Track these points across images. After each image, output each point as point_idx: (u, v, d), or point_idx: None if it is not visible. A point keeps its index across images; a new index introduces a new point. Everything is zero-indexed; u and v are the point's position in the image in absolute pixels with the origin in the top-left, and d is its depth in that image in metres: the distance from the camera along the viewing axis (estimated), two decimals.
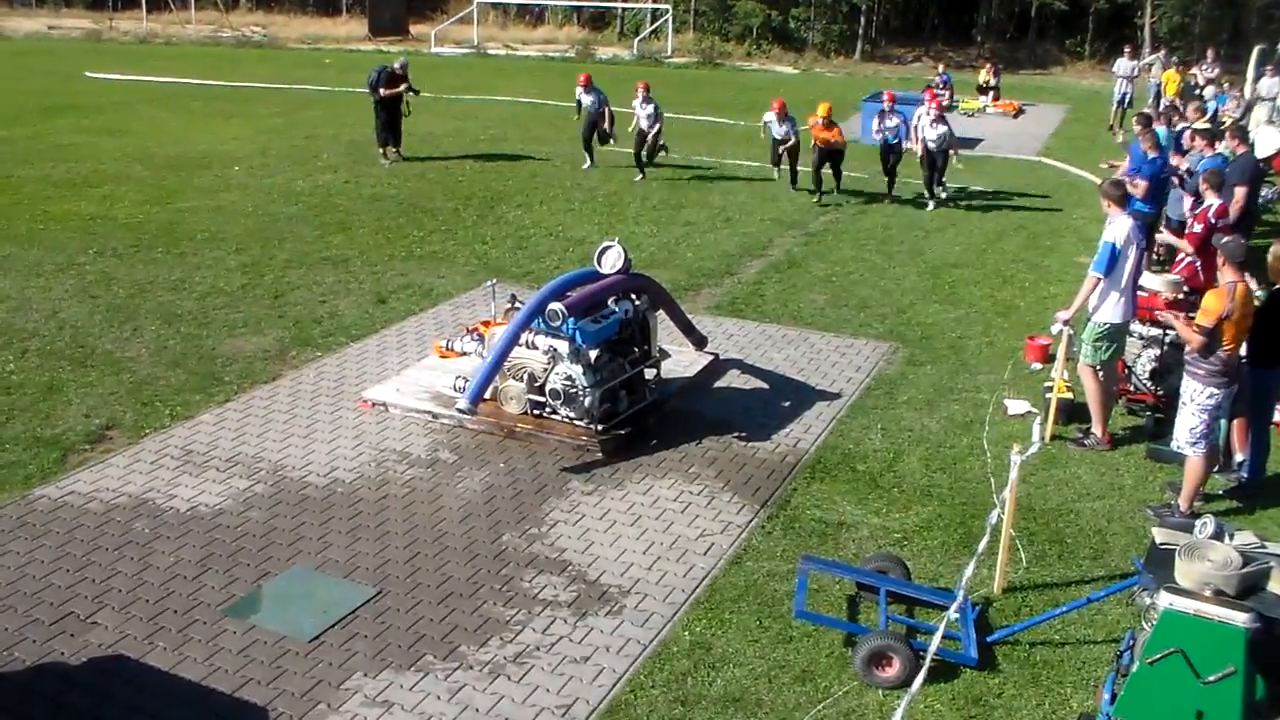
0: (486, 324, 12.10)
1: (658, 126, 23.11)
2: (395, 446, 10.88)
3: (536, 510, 9.70)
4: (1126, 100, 31.47)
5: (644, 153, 23.36)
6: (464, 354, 11.94)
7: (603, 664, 7.66)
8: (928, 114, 21.05)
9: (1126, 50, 33.15)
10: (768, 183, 22.57)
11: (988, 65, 36.64)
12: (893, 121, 21.25)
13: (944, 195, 21.73)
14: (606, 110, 23.69)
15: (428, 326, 13.92)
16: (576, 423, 10.89)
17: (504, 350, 10.80)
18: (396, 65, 24.01)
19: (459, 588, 8.51)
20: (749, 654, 7.80)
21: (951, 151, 21.28)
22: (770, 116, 22.09)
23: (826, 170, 21.60)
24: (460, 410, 10.77)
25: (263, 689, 7.36)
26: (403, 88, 23.72)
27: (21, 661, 7.59)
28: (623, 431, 10.89)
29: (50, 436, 10.83)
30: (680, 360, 12.39)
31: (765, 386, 12.40)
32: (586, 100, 23.65)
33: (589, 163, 24.09)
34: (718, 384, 12.46)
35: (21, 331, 13.56)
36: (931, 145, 20.92)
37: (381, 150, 23.98)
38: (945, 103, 33.03)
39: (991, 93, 34.76)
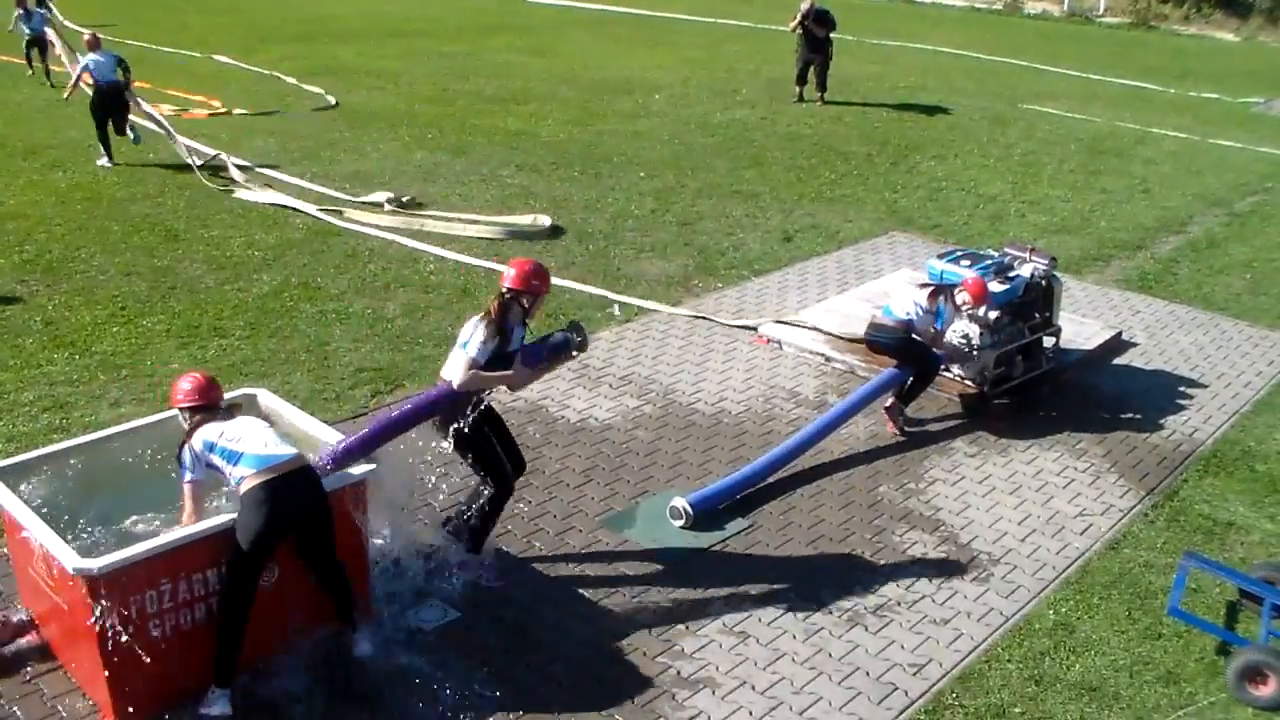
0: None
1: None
2: (785, 385, 11.09)
3: (917, 466, 9.73)
4: None
5: None
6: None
7: (962, 629, 7.66)
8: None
9: None
10: (1193, 156, 21.37)
11: None
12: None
13: None
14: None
15: (830, 269, 14.03)
16: (967, 382, 10.79)
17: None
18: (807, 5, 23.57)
19: (829, 531, 8.67)
20: (1113, 643, 7.62)
21: None
22: None
23: None
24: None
25: (627, 600, 7.74)
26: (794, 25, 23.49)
27: None
28: (1012, 398, 10.73)
29: (458, 335, 11.53)
30: (1081, 332, 12.04)
31: (1167, 369, 11.90)
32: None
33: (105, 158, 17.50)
34: (1117, 361, 12.04)
35: (443, 236, 14.49)
36: None
37: (798, 89, 24.03)
38: None
39: None
